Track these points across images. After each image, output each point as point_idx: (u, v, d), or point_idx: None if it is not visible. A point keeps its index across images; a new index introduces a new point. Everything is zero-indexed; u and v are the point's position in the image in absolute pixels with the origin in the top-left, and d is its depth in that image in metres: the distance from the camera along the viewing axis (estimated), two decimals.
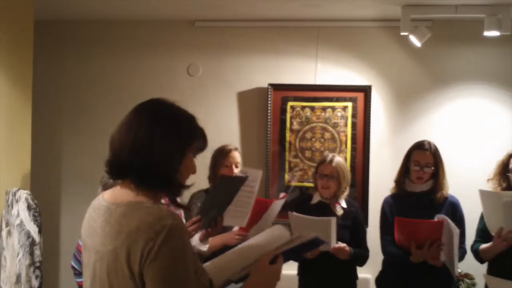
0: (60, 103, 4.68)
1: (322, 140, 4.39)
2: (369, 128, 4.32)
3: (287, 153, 4.41)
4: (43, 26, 4.33)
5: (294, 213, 3.08)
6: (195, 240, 2.85)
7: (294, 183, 4.39)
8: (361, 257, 3.22)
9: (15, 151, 3.37)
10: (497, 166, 3.12)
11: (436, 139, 3.38)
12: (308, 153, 4.40)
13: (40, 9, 3.89)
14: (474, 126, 4.28)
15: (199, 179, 2.88)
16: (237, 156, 3.25)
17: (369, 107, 4.32)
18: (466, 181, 3.81)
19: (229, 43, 4.53)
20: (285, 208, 3.17)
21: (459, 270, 3.54)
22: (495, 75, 4.27)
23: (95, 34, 4.66)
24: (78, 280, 2.87)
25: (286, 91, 4.41)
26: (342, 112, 4.37)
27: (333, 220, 2.99)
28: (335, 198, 3.23)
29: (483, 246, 3.03)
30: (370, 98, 4.32)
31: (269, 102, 4.39)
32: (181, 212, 3.33)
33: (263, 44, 4.49)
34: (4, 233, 3.09)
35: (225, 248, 2.71)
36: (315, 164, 4.28)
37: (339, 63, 4.42)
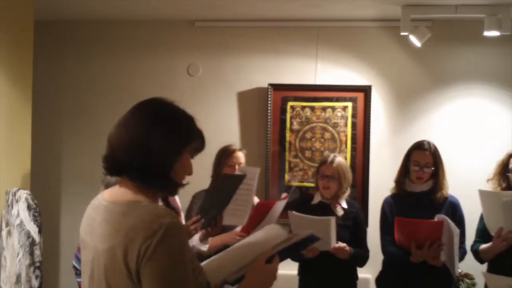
0: (60, 103, 4.68)
1: (322, 140, 4.39)
2: (369, 128, 4.32)
3: (287, 153, 4.41)
4: (43, 26, 4.33)
5: (294, 213, 3.08)
6: (195, 240, 2.85)
7: (294, 183, 4.39)
8: (361, 257, 3.21)
9: (15, 151, 3.37)
10: (497, 166, 3.12)
11: (436, 139, 3.38)
12: (308, 153, 4.40)
13: (40, 9, 3.89)
14: (474, 126, 4.28)
15: (200, 179, 2.92)
16: (240, 156, 3.25)
17: (369, 107, 4.32)
18: (466, 181, 3.81)
19: (229, 43, 4.53)
20: (286, 208, 3.17)
21: (459, 270, 3.54)
22: (495, 75, 4.27)
23: (95, 34, 4.66)
24: (79, 280, 2.87)
25: (286, 91, 4.42)
26: (342, 112, 4.37)
27: (333, 220, 2.99)
28: (336, 198, 3.23)
29: (483, 246, 3.03)
30: (370, 98, 4.32)
31: (269, 102, 4.39)
32: (181, 213, 3.33)
33: (263, 44, 4.49)
34: (4, 233, 3.09)
35: (225, 248, 2.71)
36: (315, 164, 4.30)
37: (339, 63, 4.42)
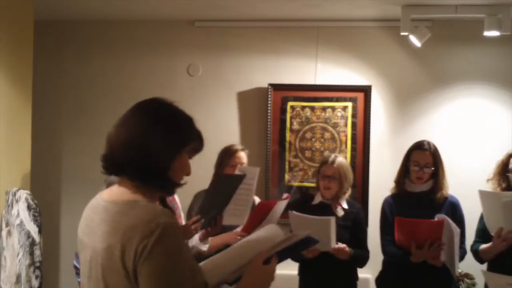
0: (60, 103, 4.68)
1: (322, 140, 4.39)
2: (369, 128, 4.32)
3: (287, 153, 4.41)
4: (43, 26, 4.33)
5: (294, 212, 3.08)
6: (195, 240, 2.85)
7: (294, 183, 4.39)
8: (361, 258, 3.21)
9: (15, 151, 3.37)
10: (496, 166, 3.12)
11: (436, 139, 3.38)
12: (308, 153, 4.40)
13: (40, 9, 3.89)
14: (474, 126, 4.28)
15: (202, 178, 2.92)
16: (243, 156, 3.25)
17: (369, 107, 4.32)
18: (466, 181, 3.81)
19: (229, 43, 4.53)
20: (287, 208, 3.17)
21: (459, 270, 3.54)
22: (495, 75, 4.27)
23: (95, 34, 4.66)
24: (80, 279, 2.88)
25: (286, 91, 4.42)
26: (342, 112, 4.37)
27: (332, 220, 2.99)
28: (337, 199, 3.23)
29: (483, 246, 3.03)
30: (370, 98, 4.32)
31: (269, 102, 4.39)
32: (180, 213, 3.33)
33: (263, 44, 4.49)
34: (4, 233, 3.09)
35: (226, 248, 2.71)
36: (315, 164, 4.31)
37: (339, 63, 4.42)
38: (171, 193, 1.61)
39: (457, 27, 4.27)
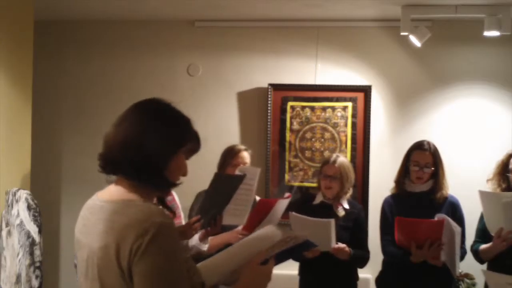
0: (60, 103, 4.68)
1: (322, 140, 4.39)
2: (369, 128, 4.32)
3: (287, 153, 4.41)
4: (43, 26, 4.33)
5: (294, 213, 3.08)
6: (195, 239, 2.85)
7: (294, 183, 4.39)
8: (361, 258, 3.21)
9: (15, 151, 3.37)
10: (496, 166, 3.12)
11: (436, 139, 3.38)
12: (308, 153, 4.40)
13: (40, 9, 3.89)
14: (474, 126, 4.28)
15: (203, 178, 2.91)
16: (246, 156, 3.26)
17: (369, 107, 4.32)
18: (466, 181, 3.81)
19: (229, 43, 4.53)
20: (288, 208, 3.17)
21: (460, 270, 3.53)
22: (495, 75, 4.27)
23: (95, 34, 4.66)
24: None
25: (286, 91, 4.42)
26: (342, 112, 4.37)
27: (332, 222, 2.99)
28: (338, 198, 3.23)
29: (483, 246, 3.03)
30: (370, 98, 4.32)
31: (269, 102, 4.39)
32: (180, 213, 3.33)
33: (263, 44, 4.49)
34: (4, 233, 3.09)
35: (227, 247, 2.72)
36: (315, 164, 4.32)
37: (339, 63, 4.42)
38: (167, 193, 1.62)
39: (457, 27, 4.27)
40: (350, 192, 3.28)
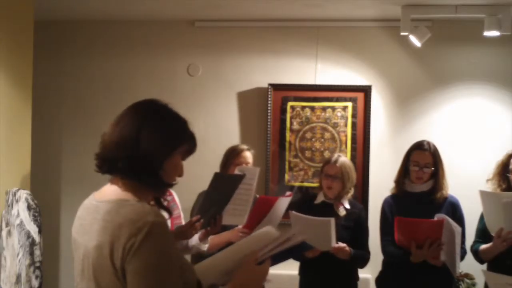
0: (60, 103, 4.68)
1: (322, 140, 4.39)
2: (369, 128, 4.32)
3: (287, 153, 4.41)
4: (43, 26, 4.33)
5: (294, 212, 3.08)
6: (195, 239, 2.85)
7: (294, 183, 4.39)
8: (362, 258, 3.21)
9: (15, 151, 3.37)
10: (496, 167, 3.11)
11: (436, 139, 3.38)
12: (308, 153, 4.40)
13: (40, 9, 3.89)
14: (474, 126, 4.28)
15: (203, 179, 2.91)
16: (248, 156, 3.27)
17: (369, 107, 4.32)
18: (466, 181, 3.81)
19: (229, 43, 4.53)
20: (288, 207, 3.17)
21: (460, 270, 3.53)
22: (495, 75, 4.27)
23: (95, 34, 4.66)
24: None
25: (286, 91, 4.42)
26: (342, 112, 4.37)
27: (332, 221, 2.99)
28: (339, 198, 3.23)
29: (483, 246, 3.03)
30: (370, 98, 4.32)
31: (269, 102, 4.39)
32: (180, 213, 3.33)
33: (263, 44, 4.49)
34: (4, 233, 3.09)
35: (228, 246, 2.72)
36: (315, 164, 4.32)
37: (339, 63, 4.42)
38: (162, 193, 1.63)
39: (457, 27, 4.27)
40: (351, 192, 3.28)
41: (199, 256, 2.80)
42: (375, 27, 4.37)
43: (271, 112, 4.40)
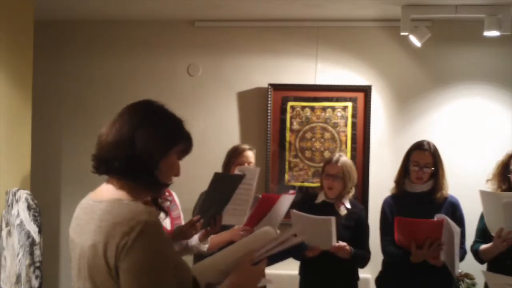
0: (60, 103, 4.68)
1: (322, 140, 4.39)
2: (369, 128, 4.32)
3: (287, 153, 4.41)
4: (43, 26, 4.33)
5: (295, 211, 3.08)
6: (195, 239, 2.85)
7: (294, 183, 4.39)
8: (362, 258, 3.21)
9: (15, 151, 3.37)
10: (496, 167, 3.11)
11: (436, 139, 3.38)
12: (308, 153, 4.40)
13: (40, 9, 3.89)
14: (474, 126, 4.28)
15: (203, 179, 2.91)
16: (250, 156, 3.27)
17: (369, 107, 4.32)
18: (466, 181, 3.81)
19: (229, 43, 4.53)
20: (290, 207, 3.17)
21: (459, 270, 3.54)
22: (495, 75, 4.27)
23: (95, 34, 4.66)
24: None
25: (286, 91, 4.42)
26: (342, 112, 4.37)
27: (333, 219, 2.99)
28: (340, 198, 3.23)
29: (483, 246, 3.03)
30: (370, 98, 4.32)
31: (269, 102, 4.39)
32: (180, 214, 3.33)
33: (263, 44, 4.49)
34: (4, 233, 3.09)
35: (229, 245, 2.72)
36: (315, 164, 4.32)
37: (339, 63, 4.42)
38: (158, 192, 1.64)
39: (457, 27, 4.27)
40: (352, 192, 3.28)
41: (200, 256, 2.80)
42: (375, 27, 4.37)
43: (271, 112, 4.40)
